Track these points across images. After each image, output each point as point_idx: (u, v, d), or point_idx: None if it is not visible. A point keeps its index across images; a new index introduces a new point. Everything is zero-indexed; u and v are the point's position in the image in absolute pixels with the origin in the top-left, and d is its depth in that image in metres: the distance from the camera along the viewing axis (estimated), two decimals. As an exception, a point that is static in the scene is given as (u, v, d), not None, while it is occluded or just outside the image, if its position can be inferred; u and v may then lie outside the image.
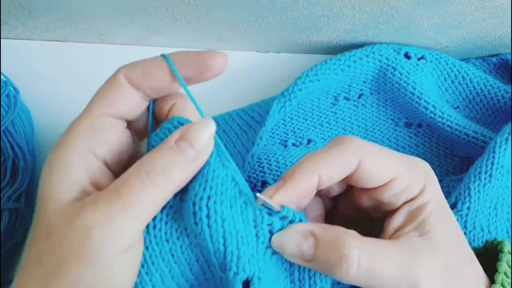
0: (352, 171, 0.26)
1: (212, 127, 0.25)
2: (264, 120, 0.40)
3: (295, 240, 0.25)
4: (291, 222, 0.26)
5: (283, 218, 0.26)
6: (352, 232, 0.26)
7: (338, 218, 0.31)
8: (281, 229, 0.25)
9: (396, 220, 0.27)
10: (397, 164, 0.27)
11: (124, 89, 0.26)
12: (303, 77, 0.41)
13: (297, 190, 0.26)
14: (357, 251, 0.24)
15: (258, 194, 0.25)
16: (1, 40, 0.44)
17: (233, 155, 0.42)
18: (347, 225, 0.26)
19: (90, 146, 0.25)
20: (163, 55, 0.26)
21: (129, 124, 0.28)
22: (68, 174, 0.24)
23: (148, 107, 0.29)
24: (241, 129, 0.44)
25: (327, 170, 0.26)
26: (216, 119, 0.44)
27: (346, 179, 0.27)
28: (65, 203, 0.24)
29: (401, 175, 0.27)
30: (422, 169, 0.28)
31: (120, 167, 0.27)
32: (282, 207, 0.25)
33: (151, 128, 0.29)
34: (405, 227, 0.27)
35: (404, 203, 0.27)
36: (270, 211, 0.25)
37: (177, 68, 0.26)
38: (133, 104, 0.27)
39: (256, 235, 0.25)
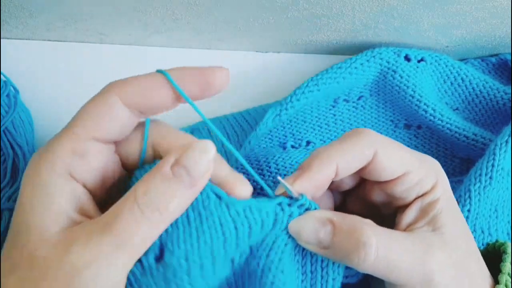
0: (366, 163, 0.27)
1: (211, 152, 0.23)
2: (257, 125, 0.40)
3: (313, 226, 0.25)
4: (307, 210, 0.26)
5: (300, 206, 0.26)
6: (368, 221, 0.26)
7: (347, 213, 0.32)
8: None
9: (409, 215, 0.27)
10: (410, 158, 0.27)
11: (116, 110, 0.24)
12: (302, 87, 0.41)
13: (315, 179, 0.26)
14: (375, 239, 0.24)
15: (279, 178, 0.26)
16: (1, 40, 0.44)
17: (221, 154, 0.42)
18: None
19: (71, 171, 0.23)
20: (160, 71, 0.24)
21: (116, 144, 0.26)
22: (52, 202, 0.23)
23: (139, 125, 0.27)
24: (233, 131, 0.44)
25: (343, 161, 0.26)
26: (212, 120, 0.44)
27: (359, 172, 0.28)
28: (51, 234, 0.22)
29: (414, 170, 0.27)
30: (433, 166, 0.28)
31: (104, 191, 0.25)
32: (301, 194, 0.26)
33: (145, 149, 0.26)
34: (417, 222, 0.27)
35: (416, 198, 0.28)
36: (290, 201, 0.26)
37: (178, 84, 0.24)
38: (124, 125, 0.25)
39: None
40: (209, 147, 0.23)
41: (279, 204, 0.26)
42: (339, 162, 0.26)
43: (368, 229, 0.25)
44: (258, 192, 0.37)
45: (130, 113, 0.24)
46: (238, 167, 0.38)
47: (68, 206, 0.23)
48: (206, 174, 0.23)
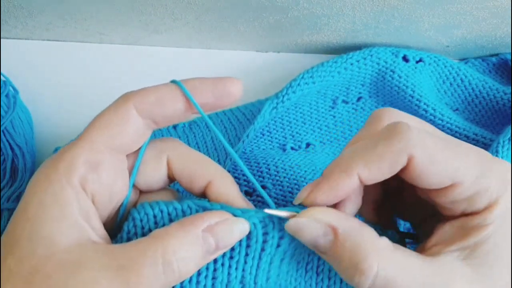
0: (399, 169, 0.22)
1: (245, 231, 0.23)
2: (254, 119, 0.40)
3: (313, 231, 0.23)
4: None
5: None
6: (381, 244, 0.22)
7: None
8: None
9: (444, 232, 0.23)
10: (465, 167, 0.22)
11: (133, 119, 0.24)
12: (298, 79, 0.40)
13: (334, 192, 0.23)
14: (375, 269, 0.21)
15: (266, 210, 0.24)
16: (1, 40, 0.44)
17: (217, 150, 0.42)
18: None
19: (83, 183, 0.22)
20: (175, 81, 0.25)
21: None
22: (64, 215, 0.21)
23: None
24: (231, 124, 0.44)
25: (367, 170, 0.22)
26: (211, 115, 0.44)
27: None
28: (60, 249, 0.21)
29: (466, 183, 0.22)
30: (498, 180, 0.22)
31: (106, 209, 0.24)
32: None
33: (136, 169, 0.25)
34: (451, 244, 0.23)
35: (462, 215, 0.23)
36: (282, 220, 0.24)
37: (192, 95, 0.24)
38: (138, 135, 0.24)
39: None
40: (247, 228, 0.23)
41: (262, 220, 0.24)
42: (363, 172, 0.22)
43: (372, 255, 0.21)
44: (257, 194, 0.37)
45: (144, 123, 0.24)
46: (236, 168, 0.38)
47: (80, 220, 0.22)
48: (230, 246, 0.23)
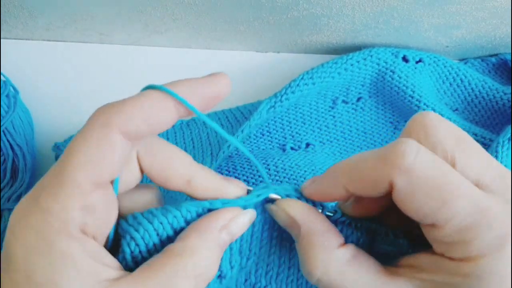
0: (383, 192, 0.21)
1: (253, 219, 0.24)
2: (251, 116, 0.40)
3: (282, 221, 0.24)
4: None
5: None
6: (334, 255, 0.23)
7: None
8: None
9: (420, 257, 0.22)
10: (450, 213, 0.20)
11: (119, 147, 0.21)
12: (297, 80, 0.40)
13: (323, 197, 0.24)
14: (317, 276, 0.22)
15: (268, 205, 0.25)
16: (1, 40, 0.44)
17: (211, 144, 0.42)
18: None
19: (83, 228, 0.21)
20: (155, 87, 0.21)
21: None
22: (79, 272, 0.20)
23: None
24: (228, 122, 0.44)
25: (352, 187, 0.22)
26: (209, 114, 0.45)
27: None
28: None
29: (446, 230, 0.20)
30: (489, 237, 0.20)
31: (104, 238, 0.23)
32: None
33: (117, 185, 0.23)
34: (419, 272, 0.22)
35: (441, 255, 0.21)
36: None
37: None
38: (125, 158, 0.22)
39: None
40: (254, 216, 0.24)
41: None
42: (349, 186, 0.22)
43: (317, 263, 0.22)
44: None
45: (130, 144, 0.21)
46: (236, 168, 0.38)
47: (95, 265, 0.20)
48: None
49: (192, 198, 0.25)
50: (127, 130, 0.21)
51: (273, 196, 0.25)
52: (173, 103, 0.21)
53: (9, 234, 0.20)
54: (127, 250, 0.22)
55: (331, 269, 0.22)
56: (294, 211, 0.24)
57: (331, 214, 0.25)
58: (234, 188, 0.25)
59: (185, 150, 0.39)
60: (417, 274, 0.22)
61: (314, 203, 0.25)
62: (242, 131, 0.38)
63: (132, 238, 0.22)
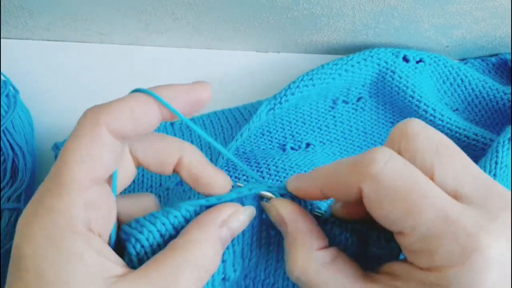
0: (354, 199, 0.22)
1: (253, 215, 0.25)
2: (250, 118, 0.40)
3: (272, 217, 0.25)
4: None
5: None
6: (313, 255, 0.23)
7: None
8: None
9: (397, 264, 0.23)
10: (414, 221, 0.20)
11: (110, 144, 0.22)
12: (297, 81, 0.40)
13: (303, 195, 0.25)
14: (296, 275, 0.23)
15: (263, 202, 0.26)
16: (1, 40, 0.44)
17: (211, 147, 0.42)
18: None
19: (89, 224, 0.22)
20: (143, 90, 0.23)
21: None
22: (87, 263, 0.20)
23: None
24: (228, 123, 0.44)
25: (328, 192, 0.23)
26: (207, 114, 0.45)
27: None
28: None
29: (411, 238, 0.20)
30: (458, 248, 0.19)
31: (107, 235, 0.24)
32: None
33: (115, 186, 0.24)
34: (393, 279, 0.22)
35: (411, 263, 0.21)
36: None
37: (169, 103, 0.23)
38: (118, 156, 0.23)
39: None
40: (254, 212, 0.25)
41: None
42: (323, 189, 0.23)
43: (295, 262, 0.23)
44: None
45: (120, 143, 0.23)
46: (236, 168, 0.38)
47: (102, 261, 0.21)
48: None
49: (190, 198, 0.25)
50: (114, 129, 0.22)
51: (266, 194, 0.25)
52: (157, 105, 0.23)
53: (18, 236, 0.21)
54: (133, 252, 0.23)
55: (309, 269, 0.23)
56: (283, 210, 0.25)
57: (320, 215, 0.26)
58: (215, 171, 0.26)
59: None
60: (393, 282, 0.22)
61: (305, 202, 0.26)
62: (241, 135, 0.39)
63: (137, 240, 0.23)
